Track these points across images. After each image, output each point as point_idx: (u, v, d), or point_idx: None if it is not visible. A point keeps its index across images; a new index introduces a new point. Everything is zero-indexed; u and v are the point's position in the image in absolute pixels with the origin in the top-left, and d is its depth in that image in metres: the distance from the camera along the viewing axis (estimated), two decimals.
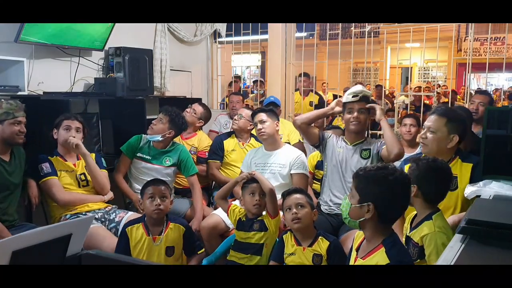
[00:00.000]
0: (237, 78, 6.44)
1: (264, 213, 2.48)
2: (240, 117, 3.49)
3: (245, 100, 4.90)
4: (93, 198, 2.80)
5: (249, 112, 3.45)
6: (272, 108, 3.30)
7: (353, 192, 1.65)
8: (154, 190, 2.43)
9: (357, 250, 1.72)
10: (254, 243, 2.42)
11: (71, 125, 2.72)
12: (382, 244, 1.60)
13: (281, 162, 2.97)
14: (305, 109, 5.02)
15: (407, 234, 1.92)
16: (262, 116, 3.02)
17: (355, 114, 2.69)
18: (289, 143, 3.54)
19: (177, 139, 3.55)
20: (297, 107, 4.99)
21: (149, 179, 3.05)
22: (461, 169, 2.29)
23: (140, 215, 2.65)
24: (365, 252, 1.65)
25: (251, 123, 3.45)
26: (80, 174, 2.79)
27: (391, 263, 1.52)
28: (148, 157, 3.11)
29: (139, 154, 3.13)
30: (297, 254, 2.22)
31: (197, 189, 3.13)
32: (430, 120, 2.34)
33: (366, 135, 2.92)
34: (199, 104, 3.77)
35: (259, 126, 3.00)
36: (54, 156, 2.74)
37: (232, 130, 3.66)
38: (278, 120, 3.12)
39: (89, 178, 2.80)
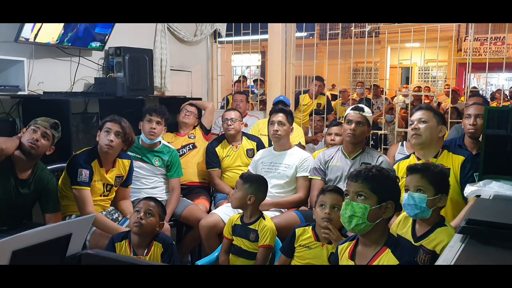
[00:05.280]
0: (244, 78, 6.43)
1: (258, 221, 2.42)
2: (234, 121, 3.43)
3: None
4: (117, 227, 2.61)
5: (238, 113, 3.48)
6: (290, 110, 3.28)
7: (367, 194, 1.58)
8: (143, 204, 2.32)
9: (351, 258, 1.66)
10: (250, 251, 2.40)
11: (111, 128, 2.63)
12: (385, 245, 1.58)
13: (287, 163, 2.98)
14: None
15: (415, 244, 1.86)
16: (282, 118, 2.99)
17: (353, 125, 2.70)
18: None
19: (174, 138, 3.56)
20: (306, 109, 4.96)
21: (140, 176, 3.06)
22: (453, 162, 2.34)
23: None
24: (367, 257, 1.60)
25: (242, 122, 3.52)
26: (107, 184, 2.72)
27: (401, 263, 1.50)
28: (138, 155, 3.11)
29: (129, 153, 3.11)
30: (313, 249, 2.14)
31: (176, 194, 3.09)
32: (419, 114, 2.41)
33: (365, 145, 2.84)
34: (189, 105, 3.73)
35: (276, 127, 2.97)
36: (95, 160, 2.65)
37: (222, 134, 3.62)
38: (293, 122, 3.12)
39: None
